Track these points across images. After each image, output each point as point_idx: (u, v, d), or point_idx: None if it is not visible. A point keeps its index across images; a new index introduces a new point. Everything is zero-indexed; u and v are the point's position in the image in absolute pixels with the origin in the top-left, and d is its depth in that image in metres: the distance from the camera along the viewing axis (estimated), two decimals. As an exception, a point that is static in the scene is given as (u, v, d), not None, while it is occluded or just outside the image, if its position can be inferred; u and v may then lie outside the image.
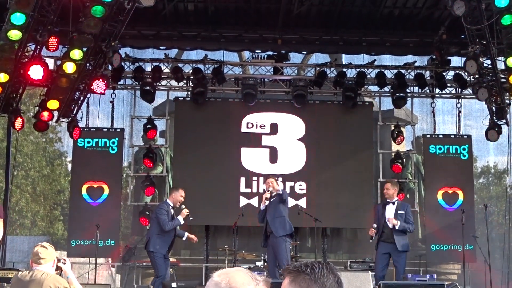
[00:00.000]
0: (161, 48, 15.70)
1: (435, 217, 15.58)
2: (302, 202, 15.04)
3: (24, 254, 20.35)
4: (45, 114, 13.43)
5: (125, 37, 14.02)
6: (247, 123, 15.64)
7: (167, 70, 15.76)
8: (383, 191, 11.75)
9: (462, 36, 13.59)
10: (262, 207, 11.11)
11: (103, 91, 13.32)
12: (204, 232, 15.81)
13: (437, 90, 16.11)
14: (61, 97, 12.95)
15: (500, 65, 12.70)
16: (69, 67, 11.79)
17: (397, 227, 10.87)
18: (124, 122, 16.88)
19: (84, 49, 11.56)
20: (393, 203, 11.15)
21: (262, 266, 12.43)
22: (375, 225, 11.18)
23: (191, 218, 11.37)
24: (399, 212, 11.03)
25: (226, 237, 15.59)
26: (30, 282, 6.11)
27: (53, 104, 13.01)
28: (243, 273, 2.44)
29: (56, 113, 13.70)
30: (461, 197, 15.53)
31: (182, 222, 11.25)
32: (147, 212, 15.01)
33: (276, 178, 11.81)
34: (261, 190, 14.38)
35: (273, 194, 10.94)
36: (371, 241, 11.34)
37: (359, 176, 15.55)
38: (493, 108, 14.41)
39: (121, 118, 16.89)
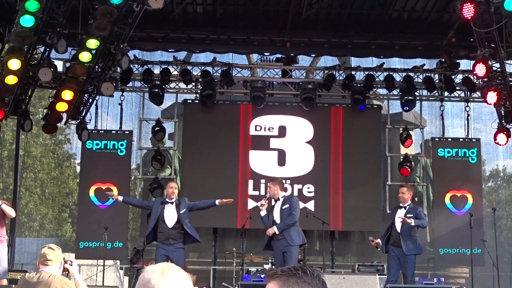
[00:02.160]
0: (169, 50, 15.72)
1: (443, 221, 15.52)
2: (310, 205, 15.02)
3: (33, 256, 20.43)
4: (55, 114, 13.46)
5: (134, 40, 14.04)
6: (256, 126, 15.64)
7: (175, 72, 15.77)
8: (397, 195, 11.60)
9: (471, 40, 13.53)
10: (262, 213, 10.65)
11: (111, 93, 13.36)
12: (212, 235, 15.83)
13: (446, 93, 16.06)
14: (70, 99, 12.98)
15: (509, 69, 12.69)
16: (78, 69, 11.83)
17: (412, 224, 10.79)
18: (132, 124, 16.94)
19: (93, 51, 11.59)
20: (405, 207, 11.10)
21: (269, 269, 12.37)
22: (371, 238, 11.37)
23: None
24: (408, 215, 10.99)
25: (234, 239, 15.59)
26: (38, 284, 6.11)
27: (61, 106, 13.04)
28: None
29: (65, 115, 13.73)
30: (469, 200, 15.48)
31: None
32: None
33: (271, 181, 11.40)
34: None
35: (276, 198, 10.73)
36: (378, 249, 11.38)
37: (367, 179, 15.51)
38: (502, 111, 14.34)
39: (130, 121, 16.97)
